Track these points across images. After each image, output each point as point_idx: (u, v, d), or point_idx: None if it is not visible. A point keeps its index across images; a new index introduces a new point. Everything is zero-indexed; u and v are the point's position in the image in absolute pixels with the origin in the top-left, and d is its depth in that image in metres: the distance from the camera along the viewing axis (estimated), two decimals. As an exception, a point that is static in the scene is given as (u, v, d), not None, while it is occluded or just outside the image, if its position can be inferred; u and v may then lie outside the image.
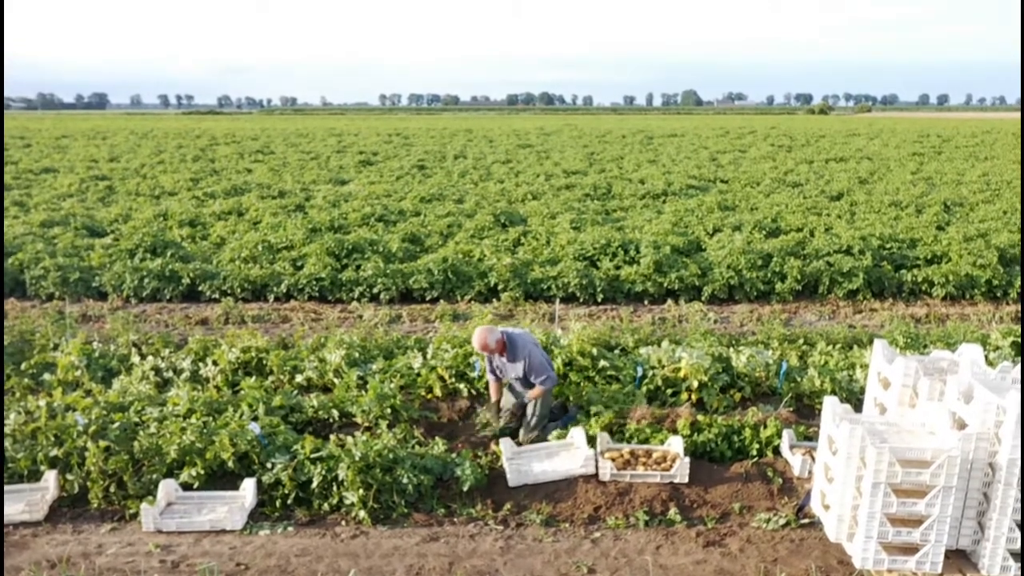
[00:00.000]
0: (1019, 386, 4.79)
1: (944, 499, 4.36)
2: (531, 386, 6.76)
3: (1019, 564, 4.40)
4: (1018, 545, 4.38)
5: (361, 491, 5.67)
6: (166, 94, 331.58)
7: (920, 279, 11.80)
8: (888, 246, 13.04)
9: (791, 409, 7.14)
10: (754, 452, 6.41)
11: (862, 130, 54.72)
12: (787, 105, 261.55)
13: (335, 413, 6.88)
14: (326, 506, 5.73)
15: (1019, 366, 5.02)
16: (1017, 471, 4.28)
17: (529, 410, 6.78)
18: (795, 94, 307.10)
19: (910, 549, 4.48)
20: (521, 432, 6.74)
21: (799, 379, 7.56)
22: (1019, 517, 4.35)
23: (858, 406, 6.38)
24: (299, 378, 7.61)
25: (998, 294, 11.64)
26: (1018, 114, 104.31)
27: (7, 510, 5.61)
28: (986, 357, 7.68)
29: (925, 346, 8.44)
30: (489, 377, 6.97)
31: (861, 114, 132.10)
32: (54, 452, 5.98)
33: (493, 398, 6.98)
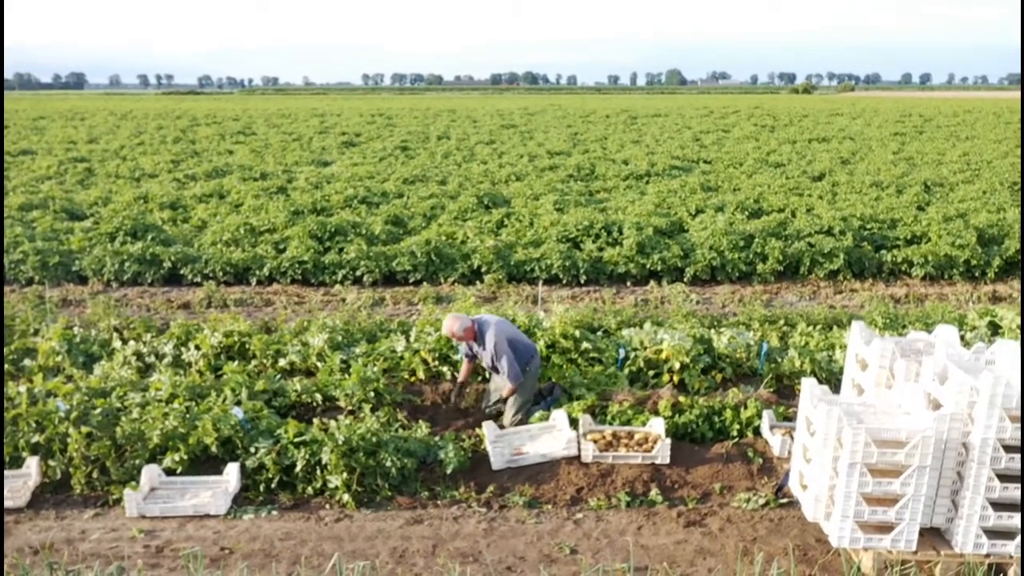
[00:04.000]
0: (996, 364, 4.88)
1: (919, 478, 4.44)
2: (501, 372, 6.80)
3: (991, 542, 4.49)
4: (990, 523, 4.47)
5: (345, 475, 5.70)
6: (145, 74, 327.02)
7: (900, 259, 11.92)
8: (869, 226, 13.14)
9: (771, 390, 7.23)
10: (735, 433, 6.49)
11: (845, 109, 54.83)
12: (771, 84, 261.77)
13: (318, 397, 6.89)
14: (310, 490, 5.76)
15: (993, 346, 5.10)
16: (989, 450, 4.36)
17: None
18: (779, 73, 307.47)
19: (885, 528, 4.56)
20: (504, 415, 6.78)
21: (780, 360, 7.64)
22: (993, 495, 4.43)
23: (837, 386, 6.46)
24: (282, 362, 7.60)
25: (976, 274, 11.78)
26: (999, 93, 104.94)
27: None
28: (963, 337, 7.80)
29: (904, 326, 8.53)
30: (464, 359, 7.05)
31: (844, 93, 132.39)
32: (36, 438, 5.97)
33: (460, 378, 7.09)
